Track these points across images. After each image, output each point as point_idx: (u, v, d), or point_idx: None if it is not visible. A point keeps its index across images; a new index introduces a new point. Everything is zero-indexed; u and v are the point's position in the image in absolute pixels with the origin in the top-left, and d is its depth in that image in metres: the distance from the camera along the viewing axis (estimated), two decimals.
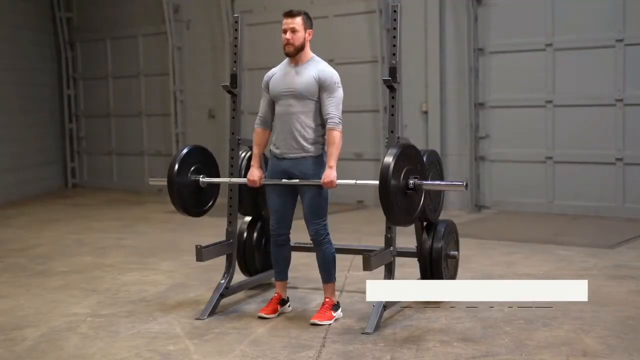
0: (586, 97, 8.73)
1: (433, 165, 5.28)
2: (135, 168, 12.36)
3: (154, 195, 11.52)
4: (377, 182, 4.49)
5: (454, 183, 4.89)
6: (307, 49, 4.84)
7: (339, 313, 4.93)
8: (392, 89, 4.89)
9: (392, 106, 4.91)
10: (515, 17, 9.11)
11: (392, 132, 4.90)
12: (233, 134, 5.35)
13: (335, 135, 4.71)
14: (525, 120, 9.14)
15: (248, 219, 5.72)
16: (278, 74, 4.90)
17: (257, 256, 5.71)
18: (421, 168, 4.68)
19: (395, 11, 4.94)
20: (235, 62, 5.35)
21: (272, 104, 4.94)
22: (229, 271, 5.30)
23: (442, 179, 5.41)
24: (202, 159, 5.29)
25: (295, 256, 5.32)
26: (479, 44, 9.29)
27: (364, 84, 10.02)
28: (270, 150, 4.98)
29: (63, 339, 4.63)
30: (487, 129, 9.37)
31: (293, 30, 4.74)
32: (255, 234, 5.69)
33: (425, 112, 9.62)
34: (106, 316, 5.10)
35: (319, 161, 4.81)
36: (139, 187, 12.17)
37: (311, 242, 4.93)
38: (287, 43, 4.76)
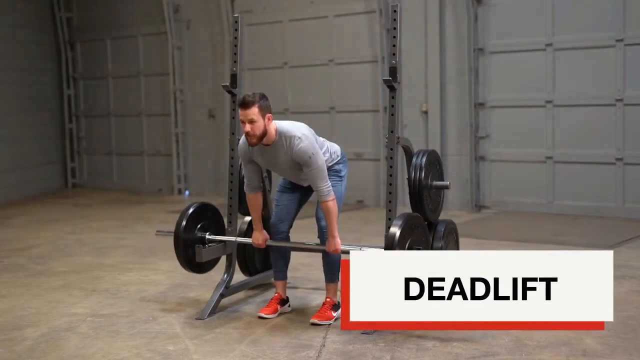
0: (586, 97, 8.73)
1: (433, 165, 5.28)
2: (135, 168, 12.36)
3: (154, 196, 11.54)
4: (382, 249, 4.52)
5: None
6: (270, 131, 4.67)
7: (339, 313, 4.93)
8: (392, 89, 4.88)
9: (392, 106, 4.91)
10: (515, 17, 9.11)
11: (392, 132, 4.90)
12: (233, 134, 5.35)
13: (329, 206, 4.70)
14: (525, 120, 9.14)
15: (248, 219, 5.71)
16: (257, 152, 4.78)
17: (257, 256, 5.71)
18: (425, 239, 4.74)
19: (395, 11, 4.94)
20: (235, 62, 5.34)
21: (258, 170, 4.93)
22: (229, 271, 5.30)
23: (442, 179, 5.41)
24: (209, 216, 5.29)
25: (295, 256, 5.32)
26: (479, 44, 9.29)
27: (364, 84, 10.02)
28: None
29: (63, 339, 4.63)
30: (487, 129, 9.37)
31: (251, 122, 4.59)
32: None
33: (425, 112, 9.62)
34: (106, 316, 5.10)
35: (332, 170, 4.93)
36: (139, 187, 12.18)
37: (319, 238, 4.94)
38: (248, 135, 4.62)
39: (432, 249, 5.21)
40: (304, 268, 6.24)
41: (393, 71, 4.87)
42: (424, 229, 4.78)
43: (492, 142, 9.38)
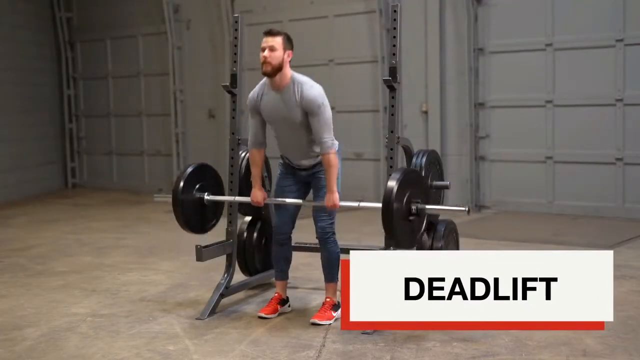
0: (586, 97, 8.73)
1: (433, 165, 5.29)
2: (135, 168, 12.36)
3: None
4: (380, 204, 4.51)
5: (457, 208, 4.91)
6: (286, 70, 4.71)
7: (339, 313, 4.92)
8: (392, 89, 4.89)
9: (392, 106, 4.92)
10: (515, 17, 9.11)
11: (392, 132, 4.91)
12: (233, 134, 5.35)
13: (330, 159, 4.68)
14: (525, 120, 9.14)
15: (248, 219, 5.72)
16: (265, 99, 4.79)
17: (257, 256, 5.71)
18: (423, 192, 4.72)
19: (395, 11, 4.94)
20: (235, 62, 5.35)
21: (263, 124, 4.90)
22: (229, 271, 5.30)
23: (442, 179, 5.42)
24: (208, 177, 5.28)
25: (295, 256, 5.32)
26: (479, 44, 9.29)
27: (364, 84, 10.02)
28: (281, 156, 4.99)
29: (63, 339, 4.63)
30: (487, 129, 9.37)
31: (271, 49, 4.64)
32: (255, 234, 5.69)
33: (425, 112, 9.62)
34: (106, 316, 5.10)
35: None
36: (139, 187, 12.18)
37: (317, 239, 4.94)
38: (265, 62, 4.65)
39: (432, 248, 5.22)
40: (304, 268, 6.24)
41: (393, 71, 4.87)
42: (422, 183, 4.75)
43: (492, 142, 9.38)
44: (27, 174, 11.91)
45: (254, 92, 4.86)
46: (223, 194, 5.31)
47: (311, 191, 5.02)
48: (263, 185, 5.07)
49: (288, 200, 4.91)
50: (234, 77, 5.33)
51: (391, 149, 4.89)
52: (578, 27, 8.69)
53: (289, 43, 4.71)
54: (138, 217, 9.62)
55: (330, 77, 10.34)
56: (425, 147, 8.92)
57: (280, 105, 4.72)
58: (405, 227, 4.54)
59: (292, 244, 5.19)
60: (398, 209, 4.45)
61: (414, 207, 4.56)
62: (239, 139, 5.36)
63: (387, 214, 4.42)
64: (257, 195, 4.99)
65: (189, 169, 5.18)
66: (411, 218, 4.56)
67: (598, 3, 8.58)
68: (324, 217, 4.86)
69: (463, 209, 4.68)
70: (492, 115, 9.34)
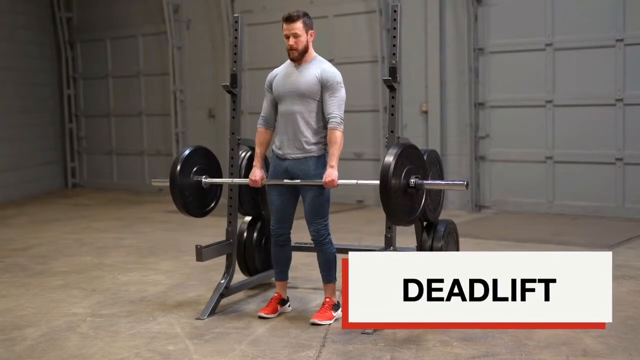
0: (586, 97, 8.73)
1: (433, 165, 5.28)
2: (135, 168, 12.37)
3: (154, 195, 11.53)
4: (378, 181, 4.49)
5: (455, 182, 4.90)
6: (311, 49, 4.84)
7: (339, 313, 4.93)
8: (392, 88, 4.89)
9: (392, 106, 4.92)
10: (515, 17, 9.11)
11: (392, 132, 4.91)
12: (233, 133, 5.35)
13: (337, 135, 4.71)
14: (525, 120, 9.14)
15: (248, 219, 5.72)
16: (281, 74, 4.89)
17: (257, 256, 5.71)
18: (422, 167, 4.68)
19: (395, 11, 4.94)
20: (235, 62, 5.35)
21: (274, 104, 4.94)
22: (229, 271, 5.30)
23: (442, 178, 5.42)
24: (205, 160, 5.27)
25: (295, 256, 5.32)
26: (479, 44, 9.29)
27: (364, 84, 10.02)
28: (272, 150, 4.99)
29: (63, 339, 4.63)
30: (487, 129, 9.37)
31: (295, 36, 4.73)
32: (255, 234, 5.69)
33: (425, 112, 9.62)
34: (106, 316, 5.10)
35: (321, 162, 4.82)
36: (139, 187, 12.18)
37: (312, 241, 4.93)
38: (291, 49, 4.75)
39: (432, 248, 5.22)
40: (304, 268, 6.24)
41: (393, 71, 4.88)
42: (421, 159, 4.73)
43: (492, 142, 9.38)
44: (27, 174, 11.92)
45: (273, 71, 4.96)
46: (221, 177, 5.31)
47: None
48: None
49: (285, 181, 4.86)
50: (234, 77, 5.33)
51: None
52: (578, 27, 8.69)
53: (309, 22, 4.80)
54: (138, 217, 9.62)
55: None
56: (425, 147, 8.92)
57: (296, 75, 4.80)
58: (404, 202, 4.51)
59: (292, 244, 5.18)
60: (396, 184, 4.42)
61: (412, 182, 4.54)
62: (239, 139, 5.36)
63: (385, 188, 4.39)
64: (256, 173, 4.97)
65: (186, 152, 5.17)
66: (409, 191, 4.54)
67: (598, 3, 8.59)
68: (316, 220, 4.84)
69: (462, 182, 4.66)
70: (492, 115, 9.34)
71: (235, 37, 5.38)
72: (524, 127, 9.15)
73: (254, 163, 5.01)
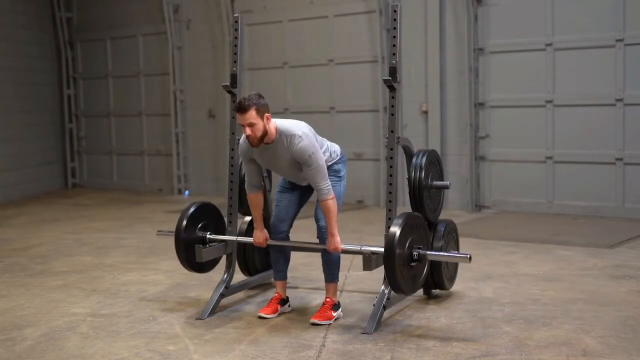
0: (586, 97, 8.73)
1: (433, 165, 5.29)
2: (135, 168, 12.37)
3: (154, 195, 11.54)
4: (382, 248, 4.50)
5: (459, 255, 4.92)
6: (270, 129, 4.68)
7: (339, 313, 4.94)
8: (392, 88, 4.89)
9: (392, 106, 4.92)
10: (515, 17, 9.11)
11: (392, 132, 4.91)
12: (233, 133, 5.35)
13: (329, 205, 4.70)
14: (525, 120, 9.14)
15: (248, 219, 5.72)
16: (257, 151, 4.78)
17: (257, 256, 5.71)
18: (425, 237, 4.72)
19: (395, 11, 4.94)
20: (235, 62, 5.35)
21: (259, 169, 4.94)
22: (229, 271, 5.30)
23: (442, 179, 5.42)
24: (210, 216, 5.29)
25: (295, 256, 5.33)
26: (479, 44, 9.28)
27: (364, 84, 10.02)
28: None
29: (63, 339, 4.63)
30: (487, 128, 9.37)
31: (250, 125, 4.60)
32: None
33: (425, 112, 9.62)
34: (106, 316, 5.10)
35: (331, 171, 4.90)
36: (139, 187, 12.18)
37: (318, 238, 4.94)
38: (249, 137, 4.63)
39: (432, 249, 5.22)
40: (304, 268, 6.25)
41: (393, 71, 4.87)
42: (425, 228, 4.77)
43: (492, 142, 9.38)
44: (27, 174, 11.92)
45: (243, 143, 4.83)
46: (224, 233, 5.32)
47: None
48: (265, 206, 5.07)
49: (286, 243, 5.01)
50: (234, 77, 5.33)
51: (391, 149, 4.88)
52: (578, 27, 8.69)
53: (262, 108, 4.64)
54: (138, 217, 9.62)
55: (330, 77, 10.35)
56: (425, 147, 8.93)
57: (274, 155, 4.76)
58: (407, 274, 4.54)
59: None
60: (400, 255, 4.44)
61: (415, 254, 4.56)
62: (239, 139, 5.35)
63: (390, 260, 4.41)
64: (259, 236, 5.03)
65: (192, 209, 5.19)
66: (413, 264, 4.56)
67: (598, 3, 8.58)
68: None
69: (465, 256, 4.67)
70: (492, 115, 9.34)
71: (235, 37, 5.38)
72: (524, 127, 9.15)
73: (255, 226, 5.06)
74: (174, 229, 5.14)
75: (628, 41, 8.39)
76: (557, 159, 8.95)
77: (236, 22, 5.39)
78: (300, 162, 4.68)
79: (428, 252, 4.66)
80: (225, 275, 5.27)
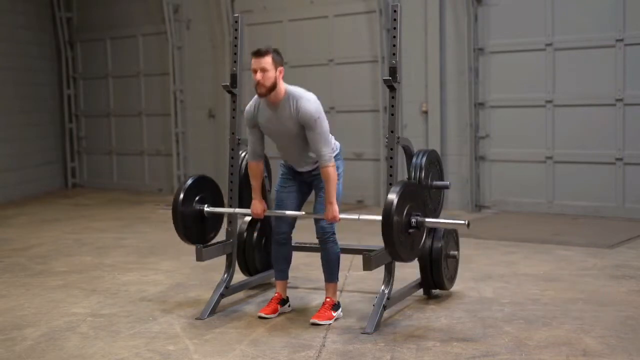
0: (586, 97, 8.73)
1: (433, 165, 5.29)
2: (135, 168, 12.37)
3: (154, 195, 11.54)
4: (380, 217, 4.49)
5: (457, 222, 4.90)
6: (280, 86, 4.68)
7: (339, 313, 4.93)
8: (392, 88, 4.89)
9: (392, 106, 4.92)
10: (515, 17, 9.11)
11: (392, 132, 4.91)
12: (233, 133, 5.36)
13: (329, 172, 4.68)
14: (525, 120, 9.14)
15: (248, 218, 5.72)
16: (262, 115, 4.78)
17: (257, 256, 5.71)
18: (423, 205, 4.70)
19: (395, 11, 4.94)
20: (235, 62, 5.35)
21: (262, 138, 4.92)
22: (229, 271, 5.30)
23: (442, 179, 5.42)
24: (208, 189, 5.27)
25: (295, 256, 5.32)
26: (479, 44, 9.28)
27: (364, 84, 10.02)
28: (282, 161, 5.03)
29: (63, 339, 4.63)
30: (487, 128, 9.37)
31: (263, 70, 4.61)
32: (255, 234, 5.70)
33: (425, 112, 9.62)
34: (106, 316, 5.10)
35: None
36: (139, 187, 12.18)
37: (317, 239, 4.94)
38: (258, 84, 4.63)
39: (432, 248, 5.21)
40: (304, 268, 6.25)
41: (393, 71, 4.87)
42: (422, 197, 4.73)
43: (492, 142, 9.38)
44: (27, 174, 11.92)
45: (250, 107, 4.85)
46: (223, 206, 5.31)
47: (313, 192, 5.03)
48: (263, 197, 5.07)
49: (287, 212, 4.93)
50: (234, 77, 5.33)
51: (391, 149, 4.88)
52: (578, 27, 8.69)
53: (279, 59, 4.69)
54: (138, 217, 9.62)
55: (330, 77, 10.35)
56: (425, 147, 8.92)
57: (277, 120, 4.73)
58: (405, 241, 4.53)
59: (292, 244, 5.18)
60: (398, 222, 4.42)
61: (413, 220, 4.54)
62: (239, 139, 5.36)
63: (387, 227, 4.40)
64: (257, 207, 5.00)
65: (189, 181, 5.18)
66: (411, 231, 4.55)
67: (598, 3, 8.58)
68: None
69: (463, 222, 4.66)
70: (492, 115, 9.34)
71: (235, 37, 5.38)
72: (524, 127, 9.15)
73: (253, 196, 5.03)
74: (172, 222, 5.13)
75: (628, 41, 8.39)
76: (557, 159, 8.95)
77: (236, 22, 5.39)
78: (305, 125, 4.64)
79: (426, 219, 4.64)
80: (225, 275, 5.28)
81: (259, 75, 4.61)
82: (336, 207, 4.72)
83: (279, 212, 4.96)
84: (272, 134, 4.86)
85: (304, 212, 4.92)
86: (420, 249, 4.71)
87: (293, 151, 4.86)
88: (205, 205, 5.19)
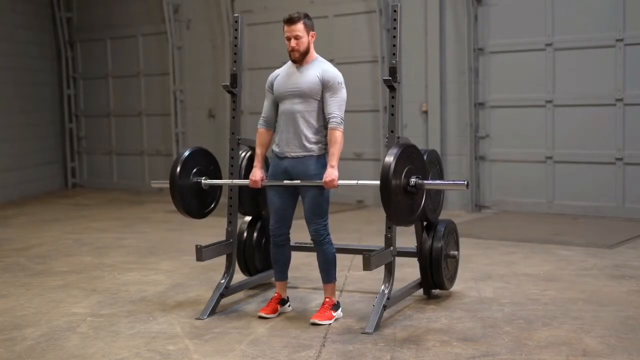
0: (586, 97, 8.73)
1: (433, 165, 5.29)
2: (135, 168, 12.36)
3: (154, 195, 11.53)
4: (378, 182, 4.48)
5: (456, 182, 4.90)
6: (312, 50, 4.87)
7: (339, 313, 4.93)
8: (392, 88, 4.89)
9: (392, 106, 4.92)
10: (515, 17, 9.11)
11: (392, 131, 4.91)
12: (233, 133, 5.35)
13: (337, 135, 4.72)
14: (525, 120, 9.14)
15: (248, 219, 5.72)
16: (282, 74, 4.92)
17: (257, 256, 5.71)
18: (422, 168, 4.67)
19: (395, 11, 4.94)
20: (235, 62, 5.35)
21: (275, 104, 4.95)
22: (229, 271, 5.30)
23: (442, 178, 5.42)
24: (205, 161, 5.27)
25: (295, 256, 5.32)
26: (479, 44, 9.28)
27: (364, 84, 10.02)
28: (272, 149, 4.99)
29: (63, 339, 4.63)
30: (487, 128, 9.37)
31: (297, 37, 4.76)
32: (255, 234, 5.69)
33: (425, 112, 9.62)
34: (106, 316, 5.10)
35: (321, 161, 4.82)
36: (139, 187, 12.18)
37: (312, 241, 4.93)
38: (293, 50, 4.78)
39: (432, 248, 5.21)
40: (304, 268, 6.25)
41: (393, 71, 4.88)
42: (422, 159, 4.72)
43: (492, 142, 9.38)
44: (27, 174, 11.92)
45: (275, 71, 4.99)
46: (221, 178, 5.31)
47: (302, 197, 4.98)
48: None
49: (285, 181, 4.86)
50: (234, 77, 5.33)
51: None
52: (578, 27, 8.69)
53: (310, 24, 4.84)
54: (138, 217, 9.62)
55: None
56: (425, 147, 8.93)
57: (297, 76, 4.82)
58: (404, 202, 4.50)
59: (292, 244, 5.18)
60: (396, 184, 4.41)
61: (412, 182, 4.53)
62: (239, 139, 5.36)
63: (386, 188, 4.38)
64: (257, 174, 4.98)
65: (185, 153, 5.17)
66: (410, 191, 4.52)
67: (598, 3, 8.59)
68: (316, 220, 4.84)
69: (462, 182, 4.64)
70: (492, 115, 9.34)
71: (235, 37, 5.38)
72: (524, 127, 9.15)
73: (255, 163, 5.02)
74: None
75: (628, 41, 8.39)
76: (557, 159, 8.95)
77: (236, 22, 5.39)
78: (327, 86, 4.76)
79: (425, 182, 4.63)
80: (225, 275, 5.27)
81: (293, 42, 4.77)
82: (336, 172, 4.72)
83: (277, 182, 4.88)
84: (283, 93, 4.84)
85: (299, 182, 4.80)
86: (419, 212, 4.68)
87: (292, 122, 4.81)
88: (203, 178, 5.18)
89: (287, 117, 4.84)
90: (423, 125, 9.64)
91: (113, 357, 4.30)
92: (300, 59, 4.80)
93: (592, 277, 5.93)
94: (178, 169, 5.08)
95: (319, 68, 4.80)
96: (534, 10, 8.95)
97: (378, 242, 5.12)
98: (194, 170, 5.17)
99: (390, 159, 4.43)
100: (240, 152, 5.45)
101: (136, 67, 12.17)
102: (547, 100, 8.94)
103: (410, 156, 4.57)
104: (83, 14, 12.71)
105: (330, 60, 10.17)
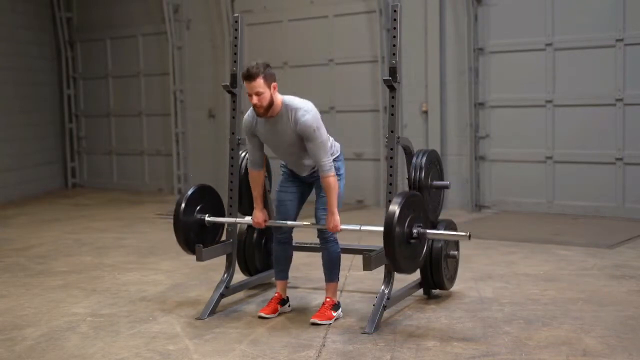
0: (586, 97, 8.73)
1: (433, 165, 5.28)
2: (135, 168, 12.36)
3: (154, 195, 11.53)
4: (382, 228, 4.49)
5: (458, 233, 4.90)
6: (276, 100, 4.69)
7: (339, 313, 4.94)
8: (392, 88, 4.89)
9: (392, 106, 4.92)
10: (515, 17, 9.11)
11: (392, 131, 4.91)
12: (233, 133, 5.36)
13: (330, 182, 4.70)
14: (525, 120, 9.14)
15: (248, 219, 5.71)
16: (260, 125, 4.79)
17: (257, 256, 5.71)
18: (424, 216, 4.70)
19: (395, 11, 4.94)
20: (235, 62, 5.35)
21: (261, 147, 4.92)
22: (229, 271, 5.30)
23: (442, 179, 5.42)
24: (209, 198, 5.28)
25: (296, 256, 5.32)
26: (479, 43, 9.28)
27: (364, 84, 10.02)
28: (280, 164, 5.05)
29: (63, 339, 4.63)
30: (487, 128, 9.37)
31: (258, 94, 4.61)
32: (255, 234, 5.69)
33: (425, 112, 9.62)
34: (106, 316, 5.10)
35: (334, 167, 4.85)
36: (139, 187, 12.18)
37: (318, 239, 4.94)
38: (256, 106, 4.64)
39: (432, 248, 5.21)
40: (304, 268, 6.25)
41: (393, 71, 4.87)
42: (424, 207, 4.74)
43: (492, 142, 9.38)
44: (27, 174, 11.91)
45: (248, 117, 4.84)
46: (223, 215, 5.31)
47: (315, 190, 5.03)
48: (265, 205, 5.06)
49: (289, 222, 4.95)
50: (234, 77, 5.33)
51: (391, 149, 4.88)
52: (578, 27, 8.69)
53: (270, 77, 4.65)
54: (138, 217, 9.62)
55: (330, 77, 10.35)
56: (425, 147, 8.91)
57: (276, 131, 4.75)
58: (407, 251, 4.53)
59: (293, 244, 5.18)
60: (399, 233, 4.42)
61: (415, 231, 4.54)
62: (239, 139, 5.36)
63: (389, 237, 4.39)
64: (259, 216, 5.01)
65: (190, 191, 5.19)
66: (412, 242, 4.54)
67: (598, 3, 8.58)
68: (325, 217, 4.85)
69: (465, 234, 4.64)
70: (492, 115, 9.34)
71: (235, 37, 5.38)
72: (524, 127, 9.15)
73: (255, 206, 5.03)
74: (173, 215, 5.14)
75: (628, 41, 8.39)
76: (557, 159, 8.95)
77: (236, 22, 5.39)
78: (304, 136, 4.65)
79: (428, 231, 4.64)
80: (225, 275, 5.28)
81: (255, 99, 4.62)
82: (337, 217, 4.75)
83: (281, 222, 4.98)
84: (271, 145, 4.88)
85: (306, 223, 4.95)
86: (421, 260, 4.71)
87: (292, 159, 4.90)
88: (207, 215, 5.19)
89: (285, 155, 4.89)
90: (423, 125, 9.64)
91: (113, 357, 4.30)
92: (265, 113, 4.65)
93: (592, 277, 5.93)
94: (182, 206, 5.09)
95: (290, 120, 4.67)
96: (534, 10, 8.95)
97: (378, 242, 5.11)
98: (198, 207, 5.18)
99: (394, 207, 4.42)
100: (240, 152, 5.44)
101: (136, 67, 12.17)
102: (547, 100, 8.94)
103: (413, 204, 4.57)
104: (83, 14, 12.71)
105: (330, 61, 10.29)
